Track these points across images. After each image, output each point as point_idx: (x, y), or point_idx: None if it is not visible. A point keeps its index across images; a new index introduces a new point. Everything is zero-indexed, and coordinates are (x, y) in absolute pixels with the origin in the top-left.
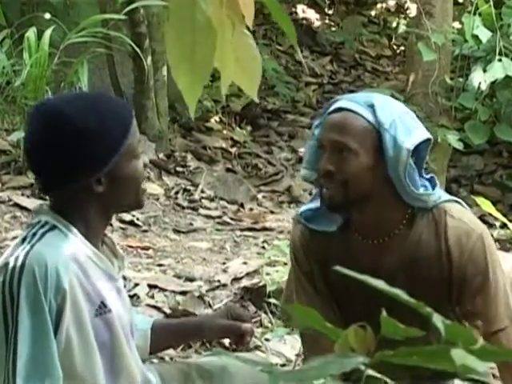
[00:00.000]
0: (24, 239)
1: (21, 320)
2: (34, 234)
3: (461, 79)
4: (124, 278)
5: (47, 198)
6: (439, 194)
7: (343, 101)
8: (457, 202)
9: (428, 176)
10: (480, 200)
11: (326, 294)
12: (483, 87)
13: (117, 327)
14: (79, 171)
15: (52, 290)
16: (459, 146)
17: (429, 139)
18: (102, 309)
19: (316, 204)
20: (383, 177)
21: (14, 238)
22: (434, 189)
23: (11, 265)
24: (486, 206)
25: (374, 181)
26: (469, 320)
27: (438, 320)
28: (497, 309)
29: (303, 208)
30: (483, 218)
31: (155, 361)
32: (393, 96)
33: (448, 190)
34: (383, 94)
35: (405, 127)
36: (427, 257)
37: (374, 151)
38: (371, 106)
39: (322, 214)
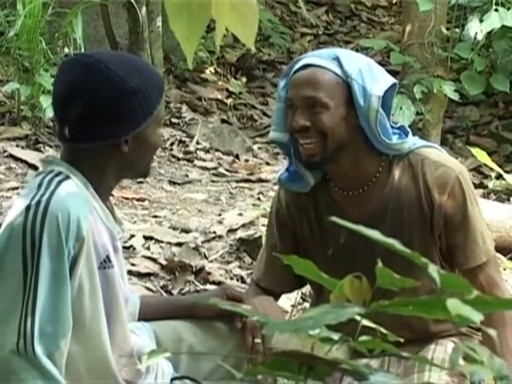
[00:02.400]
0: (40, 185)
1: (42, 265)
2: (50, 182)
3: (457, 29)
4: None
5: (63, 148)
6: (413, 141)
7: (307, 58)
8: (433, 146)
9: (397, 125)
10: (476, 151)
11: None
12: (479, 37)
13: (116, 284)
14: (114, 128)
15: (73, 238)
16: (455, 96)
17: (394, 84)
18: (106, 263)
19: (291, 166)
20: (356, 127)
21: (10, 189)
22: (407, 136)
23: (32, 210)
24: (482, 156)
25: (348, 132)
26: (448, 256)
27: (433, 270)
28: (474, 244)
29: (282, 172)
30: (479, 168)
31: None
32: (388, 47)
33: (444, 141)
34: (378, 45)
35: (371, 75)
36: (409, 201)
37: (345, 102)
38: (336, 59)
39: (297, 175)
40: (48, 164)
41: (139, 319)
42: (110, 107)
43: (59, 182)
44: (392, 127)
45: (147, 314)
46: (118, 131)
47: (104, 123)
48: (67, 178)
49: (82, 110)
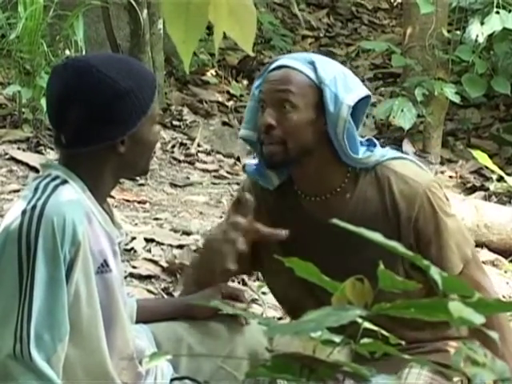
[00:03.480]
0: (36, 189)
1: (37, 269)
2: (46, 186)
3: (458, 32)
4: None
5: (60, 153)
6: (381, 153)
7: (283, 59)
8: (403, 158)
9: (365, 139)
10: (477, 153)
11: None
12: (480, 40)
13: (115, 288)
14: (110, 130)
15: (68, 242)
16: (456, 99)
17: (368, 96)
18: (103, 267)
19: (257, 162)
20: (323, 134)
21: (11, 191)
22: (374, 148)
23: (28, 214)
24: (483, 159)
25: (314, 137)
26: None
27: (435, 273)
28: (449, 253)
29: (248, 162)
30: (480, 171)
31: None
32: (389, 49)
33: (445, 143)
34: (380, 47)
35: (345, 84)
36: (374, 213)
37: (315, 107)
38: (311, 64)
39: (263, 172)
40: (46, 168)
41: (136, 322)
42: (104, 110)
43: (56, 187)
44: (360, 139)
45: (143, 316)
46: (113, 133)
47: (99, 126)
48: (64, 182)
49: (76, 114)
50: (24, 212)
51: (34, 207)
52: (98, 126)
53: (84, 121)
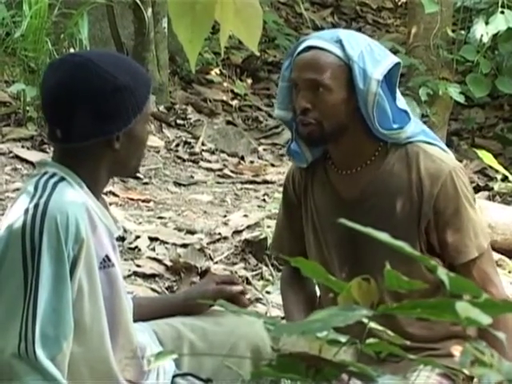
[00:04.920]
0: (36, 188)
1: (42, 267)
2: (46, 184)
3: (463, 32)
4: (124, 230)
5: (54, 149)
6: (413, 131)
7: (311, 39)
8: (434, 144)
9: (402, 107)
10: (481, 153)
11: (299, 226)
12: (485, 40)
13: (118, 283)
14: (107, 125)
15: (72, 239)
16: (460, 99)
17: (398, 63)
18: (106, 262)
19: (293, 142)
20: (356, 110)
21: (15, 190)
22: (407, 123)
23: (30, 213)
24: (487, 158)
25: (348, 114)
26: (440, 250)
27: (442, 273)
28: (466, 239)
29: (288, 144)
30: (484, 170)
31: None
32: (394, 48)
33: (449, 143)
34: (384, 46)
35: (372, 58)
36: (399, 187)
37: (346, 85)
38: (338, 42)
39: (296, 151)
40: (42, 166)
41: (134, 320)
42: (101, 105)
43: (55, 184)
44: (397, 108)
45: (141, 314)
46: (110, 128)
47: (96, 121)
48: (62, 179)
49: (74, 109)
50: (27, 211)
51: (36, 205)
52: (95, 121)
53: (81, 115)
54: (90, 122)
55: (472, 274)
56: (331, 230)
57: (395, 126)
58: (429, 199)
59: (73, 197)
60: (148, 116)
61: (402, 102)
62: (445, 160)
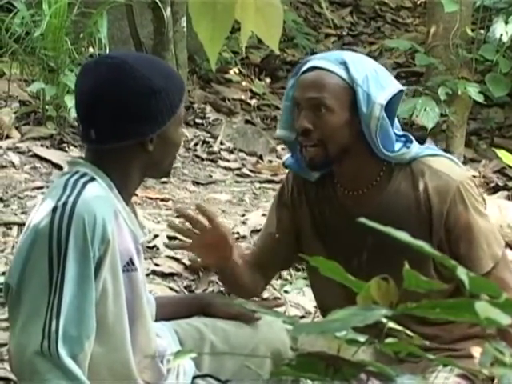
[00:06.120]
0: (65, 186)
1: (68, 266)
2: (76, 183)
3: (482, 31)
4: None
5: (87, 149)
6: (417, 150)
7: (315, 60)
8: (440, 155)
9: (400, 133)
10: (500, 152)
11: (289, 236)
12: (505, 39)
13: (140, 287)
14: (141, 127)
15: (98, 240)
16: (479, 98)
17: (401, 91)
18: (129, 266)
19: (296, 156)
20: (359, 132)
21: (34, 188)
22: (410, 145)
23: (59, 211)
24: (507, 158)
25: (351, 136)
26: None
27: (461, 273)
28: (479, 251)
29: (287, 157)
30: (503, 170)
31: None
32: (413, 48)
33: (468, 143)
34: (403, 46)
35: (377, 82)
36: (407, 207)
37: (349, 107)
38: (343, 64)
39: (303, 166)
40: (73, 165)
41: (156, 320)
42: (137, 106)
43: (85, 184)
44: (396, 134)
45: (163, 314)
46: (144, 130)
47: (131, 122)
48: (92, 179)
49: (109, 110)
50: (55, 209)
51: (64, 204)
52: (129, 122)
53: (116, 116)
54: (124, 123)
55: None
56: (341, 246)
57: (397, 148)
58: (439, 217)
59: (102, 198)
60: (181, 119)
61: (398, 128)
62: (451, 175)
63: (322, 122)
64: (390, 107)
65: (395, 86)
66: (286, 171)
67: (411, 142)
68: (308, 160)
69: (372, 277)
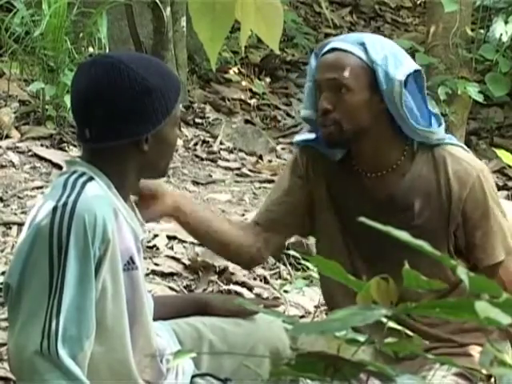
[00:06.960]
0: (65, 186)
1: (68, 266)
2: (75, 183)
3: (482, 31)
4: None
5: (83, 149)
6: (443, 135)
7: (335, 42)
8: (459, 145)
9: (434, 110)
10: (500, 152)
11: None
12: (504, 39)
13: (140, 286)
14: (136, 126)
15: (99, 240)
16: (479, 98)
17: (419, 70)
18: (130, 264)
19: (312, 136)
20: (380, 112)
21: (34, 188)
22: (439, 127)
23: (59, 211)
24: (507, 158)
25: (371, 116)
26: (467, 253)
27: (462, 272)
28: (494, 241)
29: (301, 137)
30: (503, 170)
31: None
32: (413, 47)
33: (467, 143)
34: (403, 45)
35: (395, 60)
36: (427, 191)
37: (369, 87)
38: (362, 45)
39: (323, 145)
40: (71, 164)
41: (154, 319)
42: (132, 105)
43: (84, 183)
44: (428, 112)
45: (161, 313)
46: (139, 129)
47: (126, 121)
48: (91, 179)
49: (104, 109)
50: (55, 209)
51: (65, 204)
52: (124, 122)
53: (112, 115)
54: (119, 122)
55: (499, 276)
56: (360, 228)
57: (425, 123)
58: (458, 203)
59: (101, 197)
60: (177, 119)
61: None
62: (472, 163)
63: (341, 103)
64: (416, 84)
65: (413, 64)
66: None
67: (440, 123)
68: (325, 138)
69: (386, 259)
